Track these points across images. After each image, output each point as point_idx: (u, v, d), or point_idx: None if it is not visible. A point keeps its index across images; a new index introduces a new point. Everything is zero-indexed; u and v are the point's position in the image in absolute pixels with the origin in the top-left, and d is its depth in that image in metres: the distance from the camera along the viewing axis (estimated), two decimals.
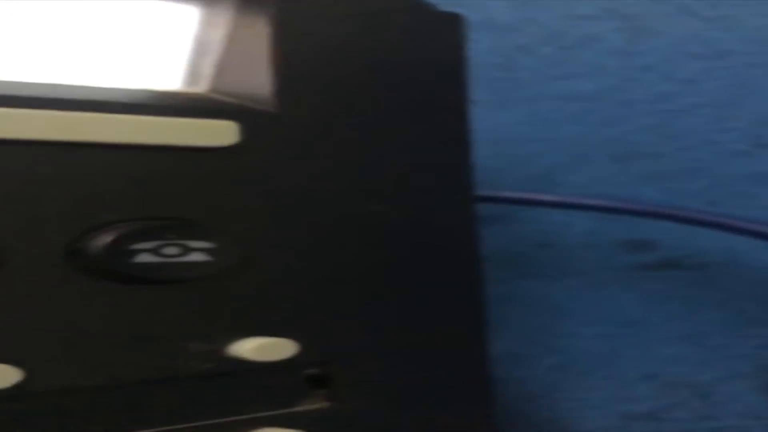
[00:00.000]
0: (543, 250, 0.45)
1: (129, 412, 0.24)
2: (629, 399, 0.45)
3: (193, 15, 0.26)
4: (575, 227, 0.44)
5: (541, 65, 0.44)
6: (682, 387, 0.44)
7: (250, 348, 0.25)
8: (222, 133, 0.24)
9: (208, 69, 0.26)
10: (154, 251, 0.23)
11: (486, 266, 0.43)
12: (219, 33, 0.26)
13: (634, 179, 0.44)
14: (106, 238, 0.23)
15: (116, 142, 0.23)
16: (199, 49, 0.26)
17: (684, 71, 0.43)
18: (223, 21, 0.26)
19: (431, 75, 0.28)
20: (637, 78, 0.43)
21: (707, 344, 0.44)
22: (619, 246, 0.44)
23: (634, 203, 0.42)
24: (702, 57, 0.43)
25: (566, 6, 0.44)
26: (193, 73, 0.26)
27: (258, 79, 0.25)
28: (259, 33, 0.25)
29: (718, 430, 0.44)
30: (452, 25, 0.28)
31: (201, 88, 0.26)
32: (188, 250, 0.24)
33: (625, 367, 0.45)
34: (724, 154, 0.43)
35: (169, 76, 0.26)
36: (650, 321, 0.44)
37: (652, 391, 0.45)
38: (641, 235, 0.44)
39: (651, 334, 0.44)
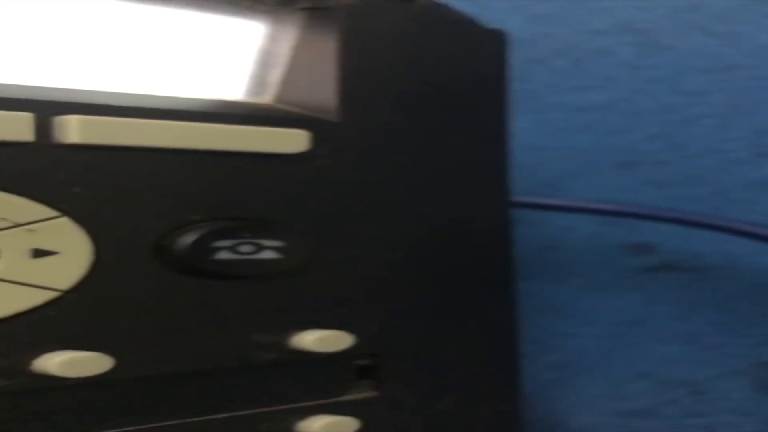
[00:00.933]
0: (546, 253, 0.46)
1: (196, 399, 0.25)
2: (625, 397, 0.46)
3: (259, 30, 0.28)
4: (577, 231, 0.46)
5: (553, 77, 0.45)
6: (677, 385, 0.46)
7: (311, 339, 0.27)
8: (294, 141, 0.26)
9: (273, 79, 0.28)
10: (232, 249, 0.25)
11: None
12: (285, 46, 0.28)
13: (638, 186, 0.45)
14: (190, 237, 0.24)
15: (200, 149, 0.24)
16: (265, 61, 0.28)
17: (690, 84, 0.45)
18: (290, 35, 0.28)
19: (478, 87, 0.30)
20: (645, 90, 0.45)
21: (702, 343, 0.46)
22: (619, 249, 0.46)
23: (637, 207, 0.43)
24: (708, 71, 0.45)
25: (580, 21, 0.45)
26: (258, 84, 0.28)
27: (324, 91, 0.27)
28: (325, 47, 0.27)
29: (711, 426, 0.46)
30: (498, 41, 0.30)
31: (267, 98, 0.28)
32: (261, 248, 0.25)
33: (621, 366, 0.46)
34: (726, 163, 0.45)
35: (235, 87, 0.28)
36: (648, 321, 0.46)
37: (647, 388, 0.46)
38: (641, 239, 0.45)
39: (648, 334, 0.46)
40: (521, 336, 0.32)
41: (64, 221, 0.22)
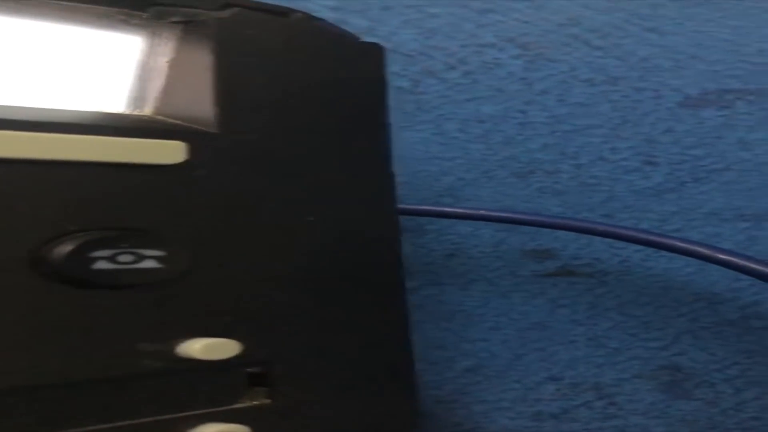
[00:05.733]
0: (451, 260, 0.47)
1: (82, 409, 0.25)
2: (538, 400, 0.47)
3: (137, 43, 0.28)
4: (481, 238, 0.47)
5: (447, 89, 0.46)
6: (587, 388, 0.47)
7: (197, 348, 0.27)
8: (171, 152, 0.26)
9: (152, 92, 0.28)
10: (110, 259, 0.25)
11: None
12: (163, 60, 0.28)
13: (535, 194, 0.46)
14: (66, 247, 0.25)
15: (77, 160, 0.25)
16: (144, 74, 0.28)
17: (578, 95, 0.46)
18: (167, 49, 0.28)
19: (355, 98, 0.31)
20: (535, 101, 0.46)
21: (608, 347, 0.47)
22: (522, 255, 0.47)
23: (534, 215, 0.44)
24: (594, 83, 0.46)
25: (469, 35, 0.46)
26: (138, 97, 0.28)
27: (201, 103, 0.28)
28: (201, 60, 0.28)
29: (622, 428, 0.47)
30: (374, 53, 0.31)
31: (147, 111, 0.28)
32: (141, 257, 0.26)
33: (532, 370, 0.47)
34: (617, 171, 0.46)
35: (113, 99, 0.28)
36: (554, 325, 0.47)
37: (558, 392, 0.47)
38: (542, 245, 0.47)
39: (555, 338, 0.47)
40: (412, 340, 0.33)
41: None
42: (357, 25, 0.46)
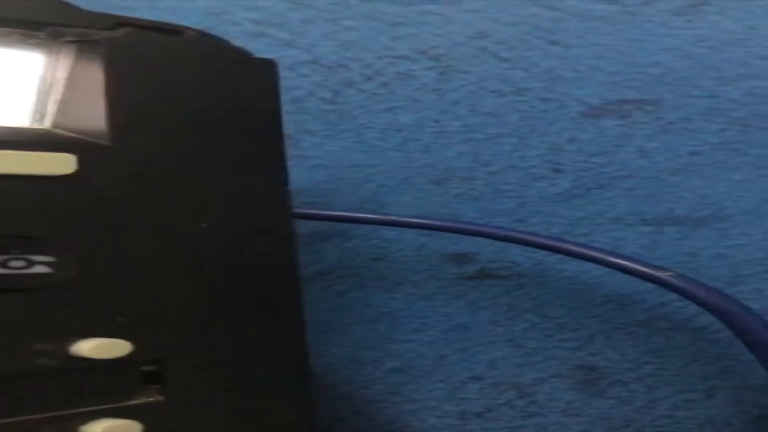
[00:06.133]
0: (377, 264, 0.48)
1: None
2: (462, 399, 0.49)
3: (38, 59, 0.30)
4: (404, 242, 0.48)
5: (365, 99, 0.48)
6: (507, 387, 0.49)
7: (88, 347, 0.28)
8: (62, 163, 0.28)
9: (51, 107, 0.30)
10: (2, 264, 0.27)
11: (325, 279, 0.46)
12: (61, 75, 0.30)
13: (452, 200, 0.48)
14: None
15: None
16: (44, 89, 0.30)
17: (488, 105, 0.48)
18: (64, 65, 0.30)
19: (249, 110, 0.32)
20: (448, 111, 0.48)
21: (526, 347, 0.49)
22: (444, 259, 0.49)
23: (451, 221, 0.46)
24: (502, 93, 0.48)
25: (383, 47, 0.48)
26: (38, 111, 0.30)
27: (94, 116, 0.29)
28: (94, 77, 0.29)
29: (542, 426, 0.49)
30: (267, 68, 0.33)
31: (46, 124, 0.30)
32: (32, 263, 0.27)
33: (455, 370, 0.49)
34: (527, 178, 0.48)
35: (18, 113, 0.30)
36: (474, 327, 0.49)
37: (482, 391, 0.49)
38: (461, 249, 0.48)
39: (475, 339, 0.49)
40: (309, 339, 0.34)
41: None
42: (278, 37, 0.47)
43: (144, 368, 0.30)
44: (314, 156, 0.48)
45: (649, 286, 0.47)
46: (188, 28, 0.31)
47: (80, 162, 0.28)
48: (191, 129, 0.31)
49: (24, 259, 0.27)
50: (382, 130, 0.48)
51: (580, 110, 0.48)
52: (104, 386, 0.29)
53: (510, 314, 0.49)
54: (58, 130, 0.30)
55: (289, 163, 0.34)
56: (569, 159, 0.48)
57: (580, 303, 0.49)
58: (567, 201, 0.48)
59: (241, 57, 0.32)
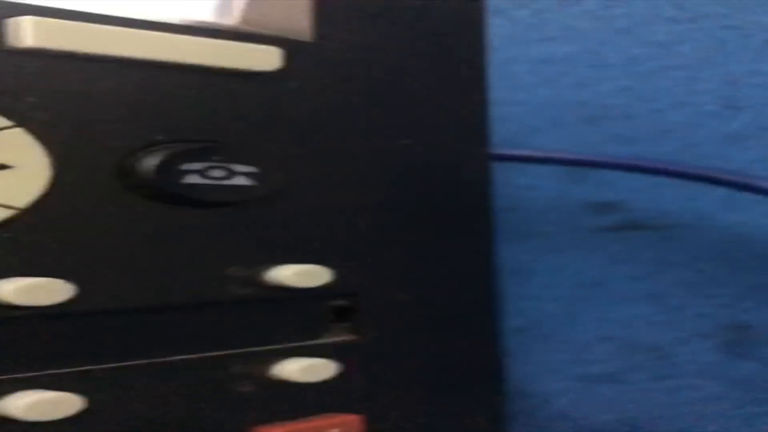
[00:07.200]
0: (507, 214, 0.44)
1: (163, 337, 0.24)
2: (588, 361, 0.45)
3: None
4: (540, 191, 0.45)
5: (514, 28, 0.44)
6: (641, 348, 0.45)
7: (288, 274, 0.25)
8: (267, 58, 0.24)
9: (239, 3, 0.26)
10: (202, 173, 0.23)
11: None
12: None
13: (605, 141, 0.44)
14: (156, 158, 0.22)
15: (167, 61, 0.23)
16: None
17: (657, 34, 0.44)
18: None
19: (457, 22, 0.29)
20: (610, 41, 0.44)
21: (668, 305, 0.45)
22: (582, 208, 0.45)
23: (601, 157, 0.42)
24: (675, 20, 0.44)
25: None
26: (224, 5, 0.26)
27: (296, 10, 0.25)
28: None
29: (675, 389, 0.45)
30: None
31: (233, 19, 0.26)
32: (233, 173, 0.24)
33: (584, 330, 0.45)
34: (695, 116, 0.44)
35: (199, 9, 0.26)
36: (610, 282, 0.45)
37: (610, 352, 0.45)
38: (605, 198, 0.45)
39: (611, 296, 0.45)
40: (499, 284, 0.31)
41: (18, 132, 0.20)
42: None
43: (335, 303, 0.27)
44: None
45: None
46: None
47: (285, 57, 0.24)
48: (396, 33, 0.27)
49: (225, 169, 0.24)
50: (530, 62, 0.44)
51: (766, 38, 0.44)
52: (294, 323, 0.26)
53: (654, 269, 0.45)
54: (250, 27, 0.26)
55: None
56: (747, 95, 0.44)
57: (738, 255, 0.45)
58: (741, 142, 0.44)
59: None
